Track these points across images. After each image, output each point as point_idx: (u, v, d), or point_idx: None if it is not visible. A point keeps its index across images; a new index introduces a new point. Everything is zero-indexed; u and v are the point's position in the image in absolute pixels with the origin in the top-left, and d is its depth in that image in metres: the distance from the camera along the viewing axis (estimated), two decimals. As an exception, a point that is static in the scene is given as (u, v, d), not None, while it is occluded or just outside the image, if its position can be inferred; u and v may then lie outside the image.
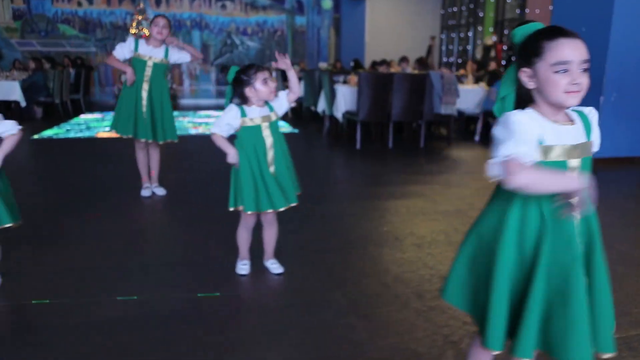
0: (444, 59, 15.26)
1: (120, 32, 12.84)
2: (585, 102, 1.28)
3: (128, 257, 2.89)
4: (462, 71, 10.18)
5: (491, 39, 12.18)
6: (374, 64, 12.73)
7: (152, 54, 3.83)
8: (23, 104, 9.15)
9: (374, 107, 6.32)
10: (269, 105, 2.45)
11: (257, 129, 2.40)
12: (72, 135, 7.45)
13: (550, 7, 10.66)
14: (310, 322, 2.18)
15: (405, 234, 3.29)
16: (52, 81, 9.91)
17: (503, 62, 12.08)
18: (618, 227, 3.55)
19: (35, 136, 7.27)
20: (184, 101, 13.19)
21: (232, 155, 2.40)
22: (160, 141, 3.94)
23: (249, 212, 2.44)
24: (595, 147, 1.35)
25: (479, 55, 12.35)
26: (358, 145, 6.42)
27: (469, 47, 13.81)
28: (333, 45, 14.77)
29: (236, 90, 2.40)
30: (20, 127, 2.29)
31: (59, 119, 9.38)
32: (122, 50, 3.82)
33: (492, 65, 11.05)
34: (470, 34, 13.77)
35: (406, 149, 6.59)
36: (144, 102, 3.84)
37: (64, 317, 2.19)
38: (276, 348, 1.98)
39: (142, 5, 11.55)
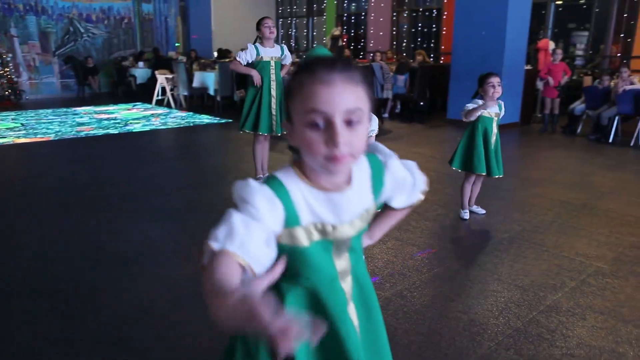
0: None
1: None
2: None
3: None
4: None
5: (338, 30, 13.92)
6: (226, 52, 13.17)
7: (273, 54, 4.28)
8: None
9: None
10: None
11: None
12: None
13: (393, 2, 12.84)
14: (546, 239, 3.39)
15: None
16: None
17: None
18: None
19: None
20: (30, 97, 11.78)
21: None
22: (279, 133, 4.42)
23: None
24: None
25: (328, 45, 13.96)
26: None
27: (312, 35, 15.41)
28: (181, 34, 14.67)
29: None
30: None
31: None
32: (245, 56, 4.19)
33: (347, 54, 12.83)
34: (311, 23, 15.36)
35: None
36: (275, 99, 4.28)
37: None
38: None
39: None
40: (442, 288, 2.72)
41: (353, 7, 14.55)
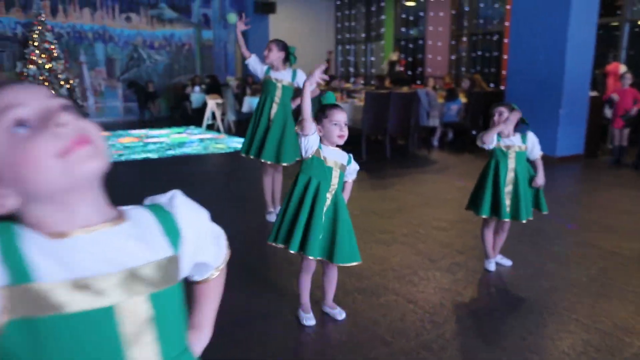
0: (341, 70, 16.46)
1: (10, 44, 11.35)
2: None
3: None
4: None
5: (396, 55, 13.58)
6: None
7: (280, 77, 3.97)
8: None
9: (375, 121, 6.99)
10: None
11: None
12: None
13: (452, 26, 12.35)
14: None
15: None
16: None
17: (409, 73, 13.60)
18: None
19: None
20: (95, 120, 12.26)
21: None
22: (284, 163, 4.02)
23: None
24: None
25: (385, 70, 13.65)
26: (364, 157, 6.99)
27: (370, 60, 15.19)
28: (239, 59, 14.93)
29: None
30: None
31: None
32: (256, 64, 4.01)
33: (404, 77, 12.40)
34: (369, 49, 15.15)
35: (402, 157, 7.35)
36: (273, 124, 3.96)
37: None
38: (594, 322, 2.59)
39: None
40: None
41: (412, 33, 14.16)
